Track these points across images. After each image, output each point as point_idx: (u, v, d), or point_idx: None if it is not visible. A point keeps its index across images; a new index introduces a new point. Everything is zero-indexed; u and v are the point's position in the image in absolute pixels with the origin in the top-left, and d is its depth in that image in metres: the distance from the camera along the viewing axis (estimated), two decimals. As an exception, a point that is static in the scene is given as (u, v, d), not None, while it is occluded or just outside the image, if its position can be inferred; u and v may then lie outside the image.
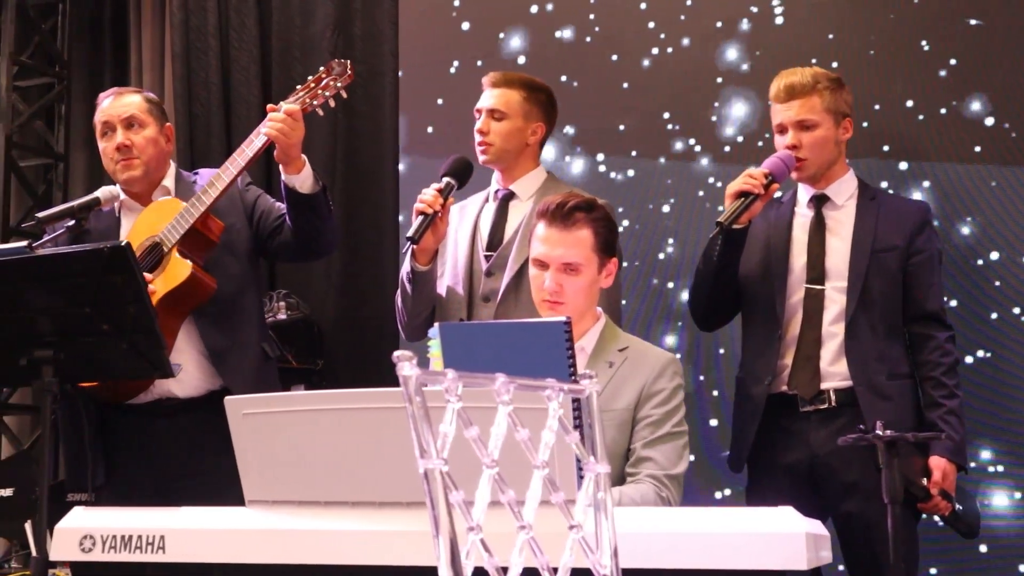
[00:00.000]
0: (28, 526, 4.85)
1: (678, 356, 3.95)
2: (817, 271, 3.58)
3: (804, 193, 3.71)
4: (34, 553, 4.60)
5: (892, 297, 3.56)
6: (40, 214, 3.53)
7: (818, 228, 3.63)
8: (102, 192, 3.64)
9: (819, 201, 3.67)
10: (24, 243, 3.01)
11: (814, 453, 3.50)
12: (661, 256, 4.66)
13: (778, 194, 3.68)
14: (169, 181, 3.77)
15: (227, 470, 3.48)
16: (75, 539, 2.41)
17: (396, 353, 1.45)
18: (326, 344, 5.15)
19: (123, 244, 2.76)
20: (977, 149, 4.26)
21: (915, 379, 3.57)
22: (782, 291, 3.60)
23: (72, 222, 3.52)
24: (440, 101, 4.94)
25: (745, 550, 2.04)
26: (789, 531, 2.05)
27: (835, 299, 3.55)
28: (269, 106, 3.60)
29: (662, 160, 4.70)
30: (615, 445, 2.87)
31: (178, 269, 3.45)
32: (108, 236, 3.64)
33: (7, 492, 5.16)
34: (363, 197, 5.29)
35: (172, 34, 5.82)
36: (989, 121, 4.26)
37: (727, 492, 4.44)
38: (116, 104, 3.76)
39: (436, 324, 2.53)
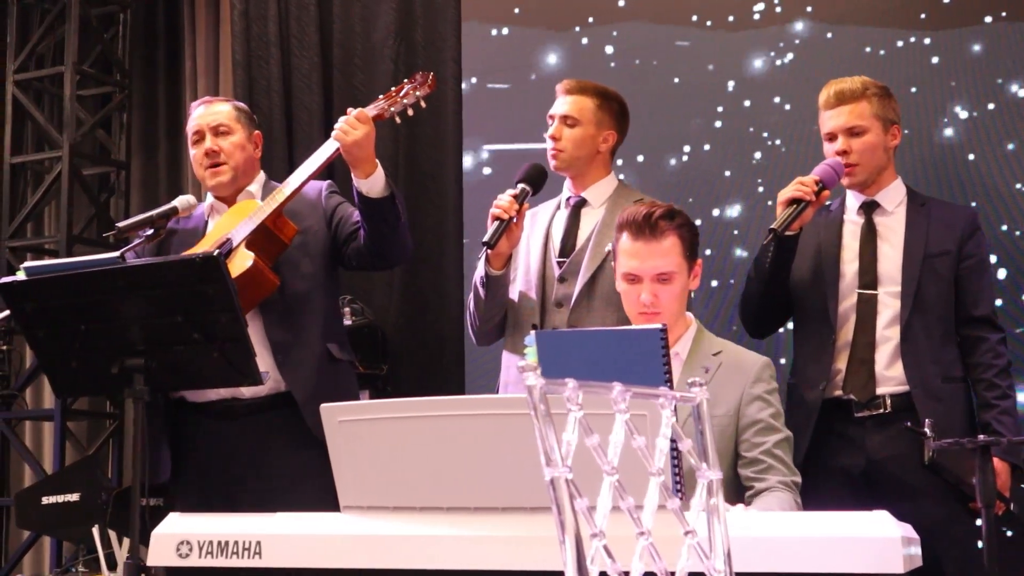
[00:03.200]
0: (95, 531, 4.92)
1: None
2: (869, 276, 3.61)
3: (853, 200, 3.73)
4: (119, 559, 4.74)
5: (945, 301, 3.58)
6: (120, 224, 3.57)
7: (869, 234, 3.66)
8: (179, 201, 3.68)
9: (869, 207, 3.69)
10: (116, 253, 3.06)
11: (870, 458, 3.52)
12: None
13: (827, 202, 3.70)
14: (255, 187, 3.83)
15: (291, 473, 3.56)
16: (172, 544, 2.44)
17: (520, 363, 1.48)
18: (390, 349, 5.17)
19: (215, 254, 2.80)
20: None
21: (967, 383, 3.59)
22: (834, 296, 3.62)
23: (151, 231, 3.56)
24: (507, 106, 4.97)
25: (842, 554, 2.06)
26: (885, 535, 2.07)
27: (888, 304, 3.57)
28: (349, 108, 3.64)
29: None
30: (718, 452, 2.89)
31: (241, 260, 3.48)
32: (194, 238, 3.71)
33: (73, 497, 5.21)
34: (425, 203, 5.31)
35: (233, 43, 5.86)
36: None
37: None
38: (206, 112, 3.84)
39: (532, 332, 2.56)
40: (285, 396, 3.60)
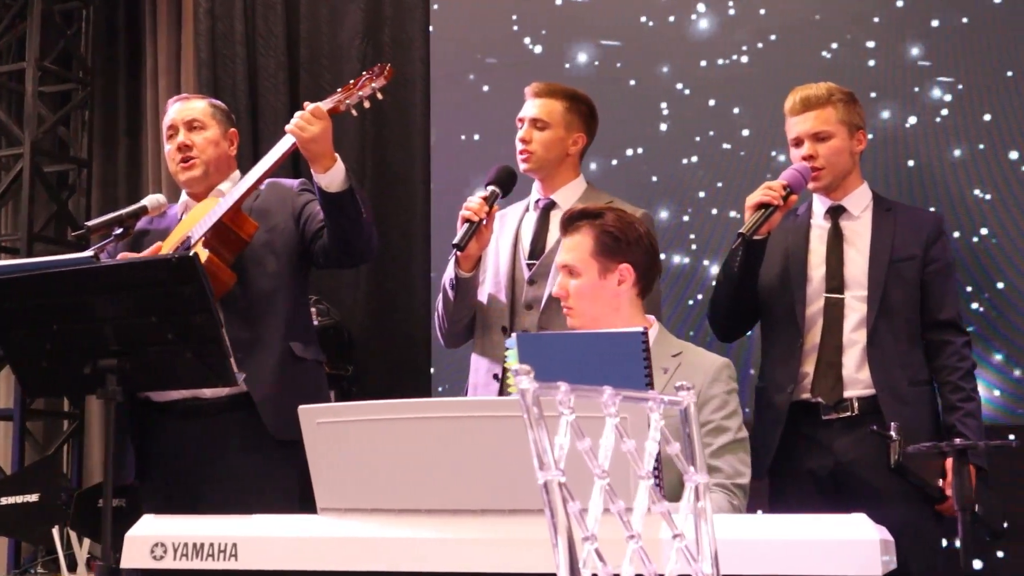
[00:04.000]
0: (56, 531, 4.87)
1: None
2: (836, 281, 3.64)
3: (820, 204, 3.78)
4: (79, 559, 4.70)
5: (911, 305, 3.62)
6: (89, 222, 3.54)
7: (836, 238, 3.70)
8: (149, 200, 3.66)
9: (835, 212, 3.73)
10: (89, 253, 3.03)
11: (838, 460, 3.55)
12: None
13: (795, 207, 3.72)
14: (226, 185, 3.79)
15: (251, 475, 3.54)
16: (146, 547, 2.41)
17: (515, 366, 1.47)
18: (356, 350, 5.16)
19: (191, 254, 2.78)
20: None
21: (933, 386, 3.62)
22: (802, 300, 3.66)
23: (120, 230, 3.53)
24: (471, 109, 4.97)
25: (820, 557, 2.07)
26: (863, 538, 2.09)
27: (855, 307, 3.61)
28: (305, 103, 3.61)
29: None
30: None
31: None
32: (166, 236, 3.68)
33: (33, 497, 5.17)
34: (393, 204, 5.30)
35: (198, 41, 5.82)
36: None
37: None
38: (182, 108, 3.84)
39: (514, 335, 2.56)
40: (247, 396, 3.57)
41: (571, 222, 3.17)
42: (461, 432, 2.25)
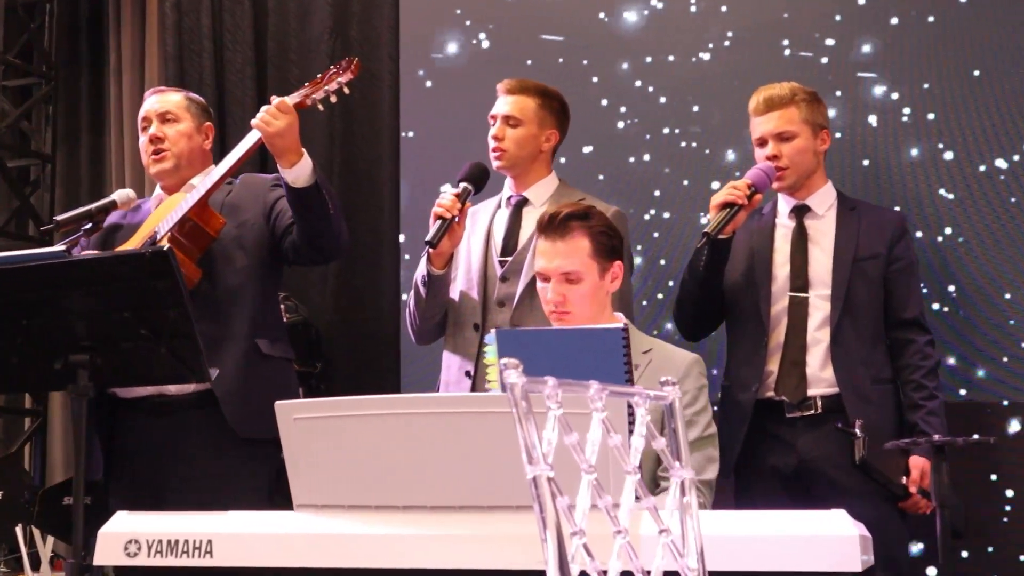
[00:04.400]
0: (19, 530, 4.83)
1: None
2: (801, 280, 3.68)
3: (785, 204, 3.81)
4: (43, 557, 4.66)
5: (874, 304, 3.67)
6: (59, 217, 3.51)
7: (800, 238, 3.74)
8: (119, 195, 3.63)
9: (800, 211, 3.77)
10: (61, 247, 3.00)
11: (801, 458, 3.58)
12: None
13: (759, 206, 3.76)
14: (198, 179, 3.74)
15: (216, 472, 3.52)
16: (120, 543, 2.39)
17: (503, 360, 1.47)
18: (324, 347, 5.14)
19: (165, 249, 2.75)
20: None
21: (896, 384, 3.66)
22: (767, 299, 3.70)
23: (89, 224, 3.50)
24: (440, 105, 4.95)
25: (800, 553, 2.08)
26: (842, 534, 2.10)
27: (819, 306, 3.65)
28: (272, 97, 3.58)
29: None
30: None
31: None
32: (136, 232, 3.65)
33: (-7, 496, 5.13)
34: (361, 201, 5.27)
35: (164, 35, 5.77)
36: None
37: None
38: (157, 100, 3.82)
39: (493, 330, 2.55)
40: (211, 393, 3.54)
41: (560, 225, 3.11)
42: (439, 428, 2.24)
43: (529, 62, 4.87)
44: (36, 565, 4.72)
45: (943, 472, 2.62)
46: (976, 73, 4.30)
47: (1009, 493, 4.12)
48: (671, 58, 4.75)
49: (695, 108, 4.69)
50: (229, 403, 3.52)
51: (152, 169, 3.75)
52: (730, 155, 4.56)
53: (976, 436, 2.85)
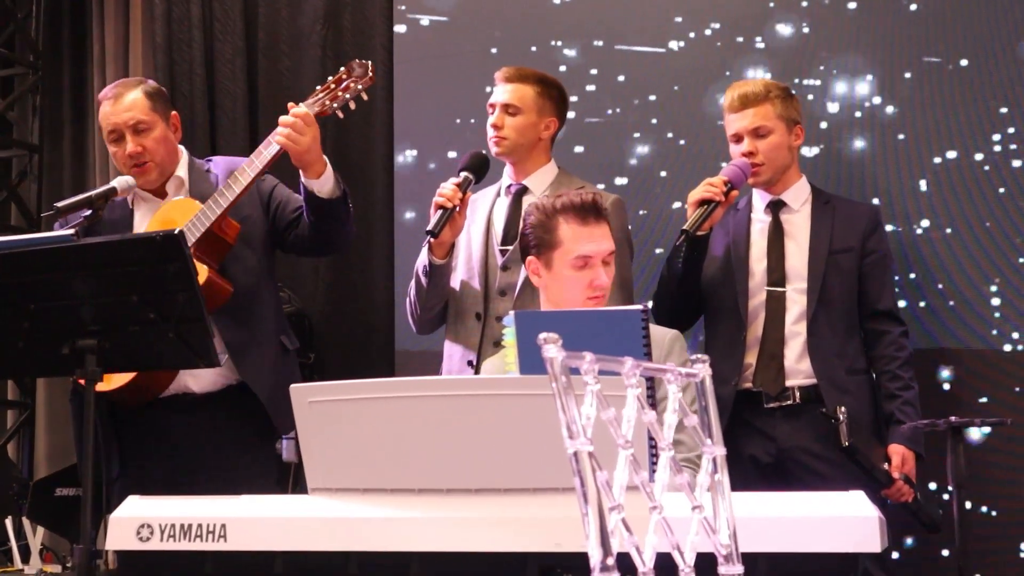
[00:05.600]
0: (8, 523, 4.81)
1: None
2: (778, 274, 3.75)
3: (760, 199, 3.88)
4: (33, 549, 4.63)
5: (849, 296, 3.74)
6: (59, 204, 3.47)
7: (776, 233, 3.81)
8: (118, 182, 3.57)
9: (775, 207, 3.83)
10: (69, 231, 2.98)
11: (780, 447, 3.65)
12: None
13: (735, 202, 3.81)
14: (183, 171, 3.73)
15: (244, 466, 3.52)
16: (132, 528, 2.39)
17: (542, 335, 1.47)
18: (316, 337, 5.13)
19: (176, 232, 2.73)
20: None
21: (870, 374, 3.73)
22: (744, 294, 3.77)
23: (89, 211, 3.47)
24: (434, 95, 4.94)
25: (822, 534, 2.10)
26: (864, 515, 2.11)
27: (796, 300, 3.72)
28: (290, 104, 3.56)
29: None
30: None
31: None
32: (121, 226, 3.64)
33: (-18, 488, 5.10)
34: (353, 192, 5.20)
35: (153, 25, 5.73)
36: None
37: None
38: (119, 109, 3.67)
39: (511, 312, 2.55)
40: (236, 389, 3.59)
41: (600, 210, 3.09)
42: (454, 411, 2.24)
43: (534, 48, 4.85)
44: (26, 557, 4.69)
45: (960, 454, 2.64)
46: (964, 63, 4.28)
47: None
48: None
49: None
50: (272, 403, 3.57)
51: (137, 180, 3.66)
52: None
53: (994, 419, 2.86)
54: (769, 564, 2.10)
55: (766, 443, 3.66)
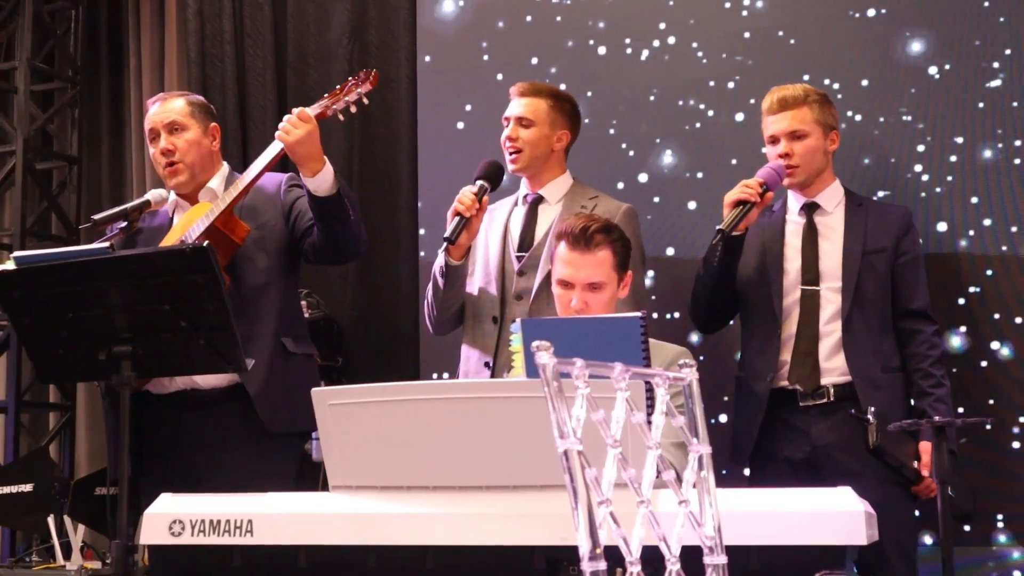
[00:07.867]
0: (51, 520, 4.96)
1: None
2: (812, 273, 3.79)
3: (795, 201, 3.92)
4: (74, 546, 4.78)
5: (883, 296, 3.77)
6: (95, 216, 3.61)
7: (811, 233, 3.85)
8: (152, 195, 3.71)
9: (810, 208, 3.88)
10: (105, 244, 3.12)
11: (814, 445, 3.69)
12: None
13: (771, 203, 3.86)
14: (216, 182, 3.83)
15: (249, 464, 3.61)
16: (164, 524, 2.52)
17: (535, 343, 1.59)
18: (345, 342, 5.25)
19: (205, 245, 2.88)
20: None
21: (904, 372, 3.76)
22: (779, 293, 3.81)
23: (124, 223, 3.61)
24: (460, 107, 5.04)
25: (811, 527, 2.21)
26: (850, 509, 2.22)
27: (830, 299, 3.75)
28: (292, 108, 3.67)
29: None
30: None
31: None
32: (159, 235, 3.74)
33: (27, 488, 5.23)
34: (379, 201, 5.37)
35: (188, 40, 5.87)
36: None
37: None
38: (160, 110, 3.85)
39: (518, 319, 2.67)
40: (242, 387, 3.64)
41: (589, 239, 3.28)
42: (467, 412, 2.37)
43: (534, 60, 4.96)
44: (68, 554, 4.85)
45: (943, 451, 2.73)
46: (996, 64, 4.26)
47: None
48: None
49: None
50: (262, 401, 3.63)
51: (169, 182, 3.81)
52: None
53: (975, 418, 2.95)
54: (760, 556, 2.21)
55: (801, 441, 3.70)
